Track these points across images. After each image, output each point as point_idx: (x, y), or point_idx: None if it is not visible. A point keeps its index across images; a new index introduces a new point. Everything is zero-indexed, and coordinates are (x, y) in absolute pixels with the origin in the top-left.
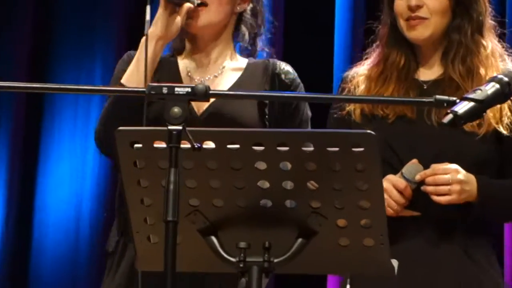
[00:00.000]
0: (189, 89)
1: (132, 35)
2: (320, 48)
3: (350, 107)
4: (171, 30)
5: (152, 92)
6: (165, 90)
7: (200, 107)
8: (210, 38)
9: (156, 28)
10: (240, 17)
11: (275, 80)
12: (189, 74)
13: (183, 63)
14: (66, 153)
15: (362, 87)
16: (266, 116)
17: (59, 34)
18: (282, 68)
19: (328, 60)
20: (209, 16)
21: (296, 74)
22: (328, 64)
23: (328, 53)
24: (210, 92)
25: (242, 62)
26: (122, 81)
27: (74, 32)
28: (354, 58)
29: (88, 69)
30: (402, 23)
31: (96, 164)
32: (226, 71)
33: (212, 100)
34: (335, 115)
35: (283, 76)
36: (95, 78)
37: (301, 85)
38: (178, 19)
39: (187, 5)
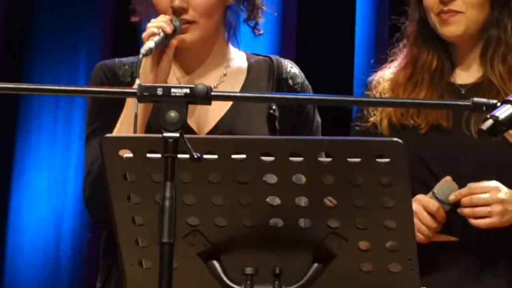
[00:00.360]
0: (187, 90)
1: (120, 27)
2: (338, 48)
3: (375, 117)
4: (162, 75)
5: (145, 94)
6: (159, 91)
7: (202, 128)
8: (204, 47)
9: (145, 79)
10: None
11: (282, 86)
12: None
13: (175, 77)
14: (44, 164)
15: (388, 94)
16: (278, 133)
17: (36, 25)
18: (288, 71)
19: (347, 63)
20: (199, 32)
21: (303, 76)
22: (347, 67)
23: (347, 54)
24: (212, 93)
25: (241, 60)
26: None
27: (55, 24)
28: (378, 59)
29: (70, 67)
30: (433, 18)
31: (79, 176)
32: (227, 78)
33: (215, 120)
34: (358, 128)
35: (290, 81)
36: (79, 77)
37: (310, 87)
38: (167, 60)
39: (176, 39)
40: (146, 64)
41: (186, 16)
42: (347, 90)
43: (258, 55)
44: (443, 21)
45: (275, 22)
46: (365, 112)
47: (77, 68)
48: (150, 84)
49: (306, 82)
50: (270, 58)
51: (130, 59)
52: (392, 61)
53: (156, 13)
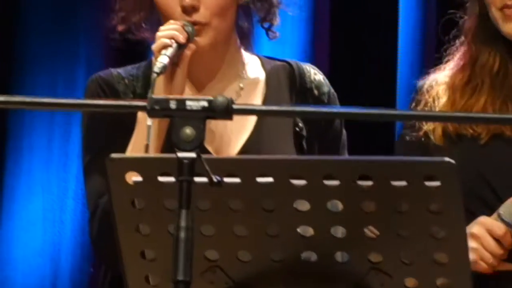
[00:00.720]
0: (205, 103)
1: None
2: (379, 46)
3: (428, 126)
4: (176, 89)
5: (156, 107)
6: (173, 105)
7: (220, 150)
8: (216, 55)
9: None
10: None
11: (306, 97)
12: None
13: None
14: (38, 188)
15: (443, 99)
16: (305, 154)
17: (25, 25)
18: (312, 79)
19: (389, 63)
20: (212, 34)
21: (328, 83)
22: (389, 69)
23: (389, 53)
24: (235, 106)
25: (256, 68)
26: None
27: (48, 24)
28: (427, 60)
29: (67, 75)
30: (495, 13)
31: (78, 202)
32: (245, 92)
33: (236, 141)
34: (408, 137)
35: (316, 91)
36: (77, 87)
37: (335, 95)
38: (181, 74)
39: (190, 49)
40: (158, 82)
41: (197, 17)
42: (390, 97)
43: (273, 59)
44: (506, 16)
45: (305, 23)
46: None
47: (75, 77)
48: (162, 96)
49: (332, 90)
50: (288, 63)
51: (129, 70)
52: (447, 61)
53: (147, 18)
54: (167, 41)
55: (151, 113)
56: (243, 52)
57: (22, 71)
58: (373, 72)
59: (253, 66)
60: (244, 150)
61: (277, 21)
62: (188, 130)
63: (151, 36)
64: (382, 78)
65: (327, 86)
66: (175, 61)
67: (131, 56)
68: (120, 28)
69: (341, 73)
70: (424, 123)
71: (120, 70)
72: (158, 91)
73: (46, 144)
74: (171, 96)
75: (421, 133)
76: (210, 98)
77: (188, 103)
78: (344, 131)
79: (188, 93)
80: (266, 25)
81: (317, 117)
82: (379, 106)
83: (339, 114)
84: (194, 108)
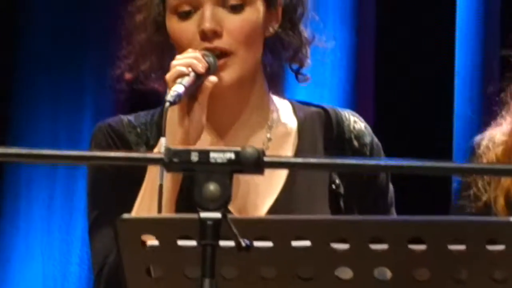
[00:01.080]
0: (231, 155)
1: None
2: (432, 88)
3: (488, 195)
4: (194, 131)
5: (175, 160)
6: (194, 157)
7: (246, 211)
8: (241, 95)
9: (173, 141)
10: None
11: (345, 148)
12: None
13: (204, 141)
14: (37, 252)
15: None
16: (343, 214)
17: (23, 62)
18: (352, 128)
19: (444, 106)
20: (239, 68)
21: (370, 131)
22: (444, 118)
23: (444, 93)
24: (266, 159)
25: (287, 115)
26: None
27: (49, 59)
28: (488, 96)
29: (71, 121)
30: None
31: (83, 268)
32: (273, 143)
33: (265, 200)
34: (465, 209)
35: (356, 142)
36: (82, 136)
37: (379, 145)
38: (200, 109)
39: (210, 81)
40: (172, 115)
41: (219, 43)
42: (445, 148)
43: (307, 104)
44: None
45: (346, 61)
46: (473, 189)
47: (81, 123)
48: (182, 148)
49: (375, 140)
50: (324, 109)
51: (141, 117)
52: (503, 115)
53: (157, 66)
54: (184, 69)
55: (169, 167)
56: (272, 96)
57: (19, 116)
58: (425, 119)
59: (283, 113)
60: (272, 210)
61: (307, 62)
62: (212, 187)
63: (161, 86)
64: (435, 127)
65: (369, 136)
66: (193, 93)
67: (143, 103)
68: (127, 76)
69: (387, 121)
70: (483, 191)
71: (131, 118)
72: (172, 127)
73: (47, 202)
74: (192, 148)
75: (480, 203)
76: (238, 149)
77: (213, 155)
78: (391, 187)
79: (207, 138)
80: (294, 66)
81: (360, 171)
82: (431, 157)
83: (384, 168)
84: (219, 161)
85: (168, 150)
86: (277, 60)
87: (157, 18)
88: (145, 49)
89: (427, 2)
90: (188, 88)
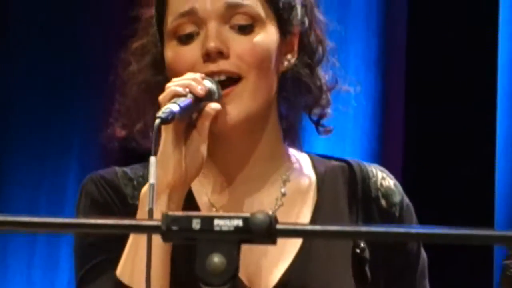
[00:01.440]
0: (239, 222)
1: None
2: (470, 143)
3: None
4: (192, 165)
5: (174, 228)
6: (196, 225)
7: (257, 280)
8: (250, 141)
9: (165, 173)
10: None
11: (371, 209)
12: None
13: (204, 194)
14: None
15: None
16: (368, 283)
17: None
18: (379, 185)
19: (485, 164)
20: (245, 100)
21: (401, 189)
22: (485, 174)
23: (485, 148)
24: (279, 227)
25: (305, 169)
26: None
27: (32, 121)
28: None
29: (53, 184)
30: None
31: None
32: (288, 200)
33: (279, 269)
34: None
35: (383, 202)
36: (66, 200)
37: (410, 205)
38: (200, 138)
39: (212, 108)
40: (167, 138)
41: (226, 65)
42: (485, 212)
43: (328, 158)
44: None
45: (371, 110)
46: None
47: (65, 186)
48: (181, 213)
49: (406, 200)
50: (348, 163)
51: (137, 169)
52: None
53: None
54: (180, 89)
55: (167, 236)
56: (288, 149)
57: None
58: (462, 176)
59: (300, 167)
60: (285, 279)
61: (328, 111)
62: (217, 259)
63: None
64: (475, 182)
65: (399, 195)
66: (191, 120)
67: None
68: (120, 134)
69: (418, 178)
70: None
71: (127, 169)
72: (164, 152)
73: (25, 271)
74: (193, 213)
75: None
76: (246, 215)
77: (217, 222)
78: (423, 255)
79: (207, 192)
80: (314, 117)
81: (387, 240)
82: (469, 223)
83: (415, 236)
84: (225, 229)
85: (165, 216)
86: (294, 108)
87: (155, 55)
88: (140, 105)
89: (462, 42)
90: (184, 110)
